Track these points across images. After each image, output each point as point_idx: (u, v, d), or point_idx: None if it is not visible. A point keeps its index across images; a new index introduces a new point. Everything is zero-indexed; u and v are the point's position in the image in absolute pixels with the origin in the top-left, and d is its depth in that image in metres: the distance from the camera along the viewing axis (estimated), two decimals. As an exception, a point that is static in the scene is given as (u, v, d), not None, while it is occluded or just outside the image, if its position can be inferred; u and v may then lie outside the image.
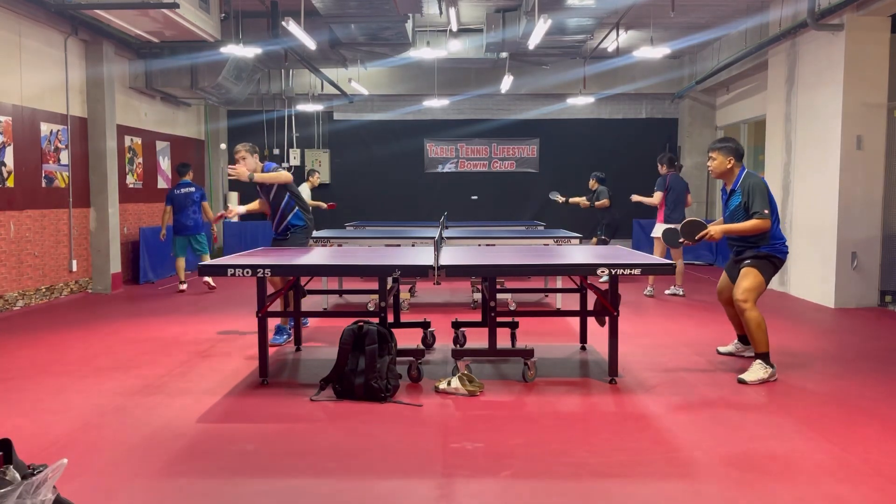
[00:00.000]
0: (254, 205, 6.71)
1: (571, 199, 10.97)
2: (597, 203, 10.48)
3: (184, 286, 9.62)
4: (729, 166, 5.20)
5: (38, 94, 8.57)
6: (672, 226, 6.00)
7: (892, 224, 8.28)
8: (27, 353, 5.93)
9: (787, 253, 5.19)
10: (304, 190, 11.19)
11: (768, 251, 5.06)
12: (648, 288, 9.24)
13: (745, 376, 4.95)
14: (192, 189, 9.67)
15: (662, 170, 9.14)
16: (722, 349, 5.84)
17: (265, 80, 13.48)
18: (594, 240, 10.54)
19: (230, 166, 6.14)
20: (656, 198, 9.02)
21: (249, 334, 6.53)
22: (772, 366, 4.99)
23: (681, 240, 5.39)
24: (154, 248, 10.75)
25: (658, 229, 8.94)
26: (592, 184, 10.68)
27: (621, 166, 13.40)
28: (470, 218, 12.96)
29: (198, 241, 9.68)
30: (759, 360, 5.00)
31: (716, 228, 5.16)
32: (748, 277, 5.04)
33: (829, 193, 8.27)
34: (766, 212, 4.98)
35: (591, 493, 3.18)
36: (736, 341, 5.74)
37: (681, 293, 9.06)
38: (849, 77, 8.01)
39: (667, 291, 9.16)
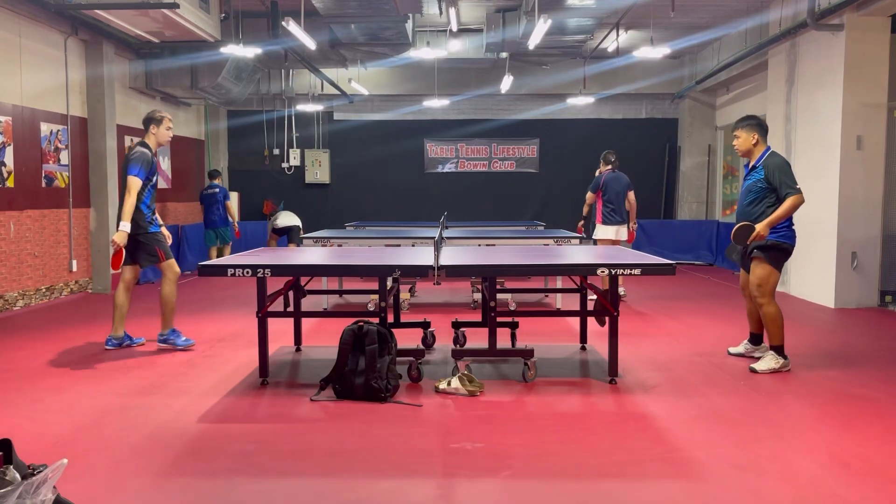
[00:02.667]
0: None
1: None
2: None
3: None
4: (753, 142, 5.20)
5: (38, 94, 8.57)
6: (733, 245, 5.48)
7: (892, 224, 8.28)
8: (27, 353, 5.93)
9: (795, 236, 5.16)
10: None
11: (775, 239, 5.06)
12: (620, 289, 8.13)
13: (757, 365, 5.09)
14: (217, 190, 11.44)
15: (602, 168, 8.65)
16: (732, 350, 5.75)
17: (265, 80, 13.48)
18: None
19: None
20: (589, 198, 8.59)
21: (250, 334, 6.53)
22: (785, 357, 5.09)
23: (739, 247, 5.27)
24: (154, 248, 10.79)
25: (599, 230, 8.49)
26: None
27: (621, 167, 13.36)
28: (470, 218, 12.96)
29: (223, 232, 11.49)
30: (772, 352, 5.10)
31: (761, 225, 5.06)
32: (757, 271, 5.10)
33: (829, 193, 8.27)
34: (798, 187, 4.99)
35: (591, 493, 3.18)
36: (746, 341, 5.68)
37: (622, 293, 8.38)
38: (849, 77, 8.00)
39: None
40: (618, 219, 8.54)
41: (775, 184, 5.04)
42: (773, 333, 5.09)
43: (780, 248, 5.08)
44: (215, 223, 11.45)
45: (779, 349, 5.10)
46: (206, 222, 11.55)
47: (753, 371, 5.07)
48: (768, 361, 5.08)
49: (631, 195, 8.68)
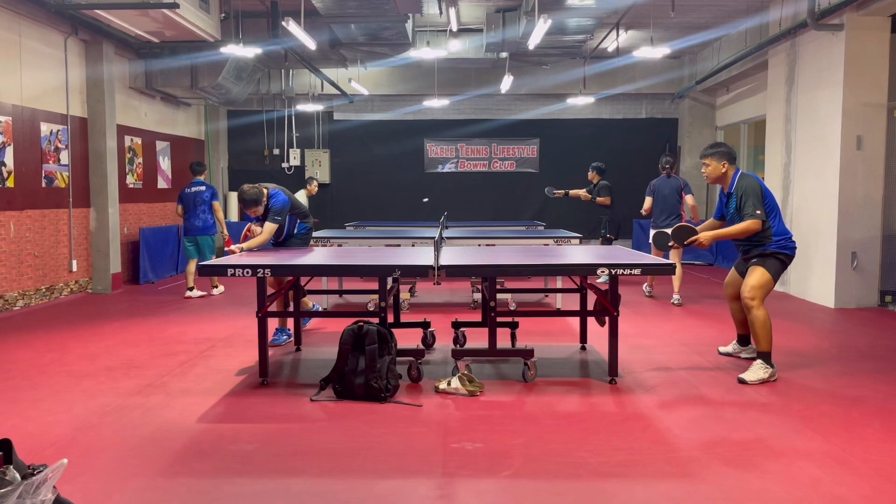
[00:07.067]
0: (257, 240, 5.99)
1: (571, 192, 10.48)
2: (598, 199, 10.04)
3: (192, 293, 8.99)
4: (723, 170, 5.24)
5: (38, 94, 8.57)
6: (663, 230, 5.82)
7: (892, 224, 8.28)
8: (27, 353, 5.93)
9: (795, 247, 5.17)
10: (301, 198, 10.82)
11: (774, 249, 5.08)
12: (647, 287, 9.10)
13: (745, 375, 4.97)
14: (203, 188, 9.10)
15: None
16: (722, 349, 5.85)
17: (265, 80, 13.48)
18: (599, 240, 10.27)
19: (235, 247, 5.81)
20: (647, 203, 8.74)
21: (250, 334, 6.53)
22: (772, 366, 5.01)
23: (670, 243, 5.40)
24: (154, 248, 10.75)
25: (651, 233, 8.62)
26: (592, 176, 10.24)
27: (621, 166, 13.39)
28: (470, 218, 12.96)
29: (204, 241, 9.09)
30: (759, 360, 5.01)
31: (705, 235, 5.20)
32: (755, 275, 5.07)
33: (829, 193, 8.27)
34: (759, 212, 5.01)
35: (591, 493, 3.18)
36: (734, 342, 5.74)
37: (677, 301, 8.36)
38: (849, 77, 8.00)
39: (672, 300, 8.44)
40: (662, 222, 8.55)
41: (742, 203, 5.07)
42: (761, 338, 5.02)
43: (778, 257, 5.08)
44: (196, 229, 9.07)
45: (766, 356, 5.01)
46: (186, 228, 9.15)
47: (742, 382, 4.93)
48: (757, 372, 4.96)
49: (688, 198, 8.64)
